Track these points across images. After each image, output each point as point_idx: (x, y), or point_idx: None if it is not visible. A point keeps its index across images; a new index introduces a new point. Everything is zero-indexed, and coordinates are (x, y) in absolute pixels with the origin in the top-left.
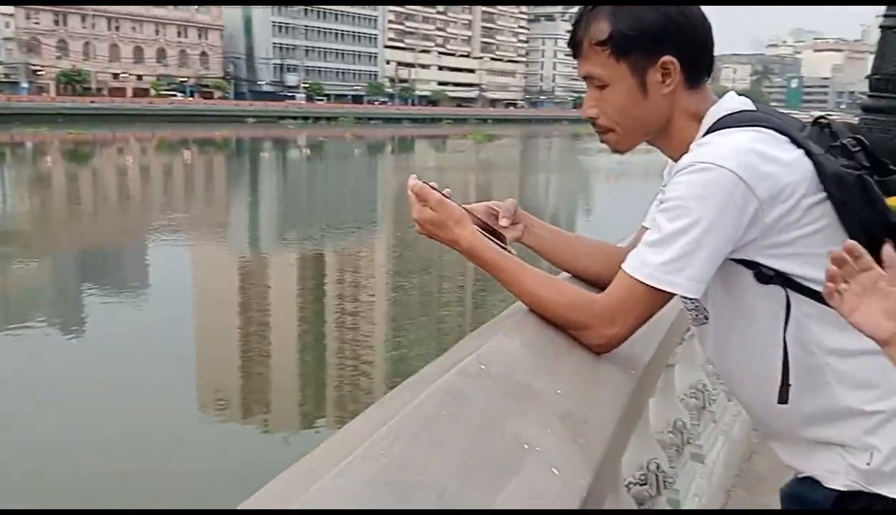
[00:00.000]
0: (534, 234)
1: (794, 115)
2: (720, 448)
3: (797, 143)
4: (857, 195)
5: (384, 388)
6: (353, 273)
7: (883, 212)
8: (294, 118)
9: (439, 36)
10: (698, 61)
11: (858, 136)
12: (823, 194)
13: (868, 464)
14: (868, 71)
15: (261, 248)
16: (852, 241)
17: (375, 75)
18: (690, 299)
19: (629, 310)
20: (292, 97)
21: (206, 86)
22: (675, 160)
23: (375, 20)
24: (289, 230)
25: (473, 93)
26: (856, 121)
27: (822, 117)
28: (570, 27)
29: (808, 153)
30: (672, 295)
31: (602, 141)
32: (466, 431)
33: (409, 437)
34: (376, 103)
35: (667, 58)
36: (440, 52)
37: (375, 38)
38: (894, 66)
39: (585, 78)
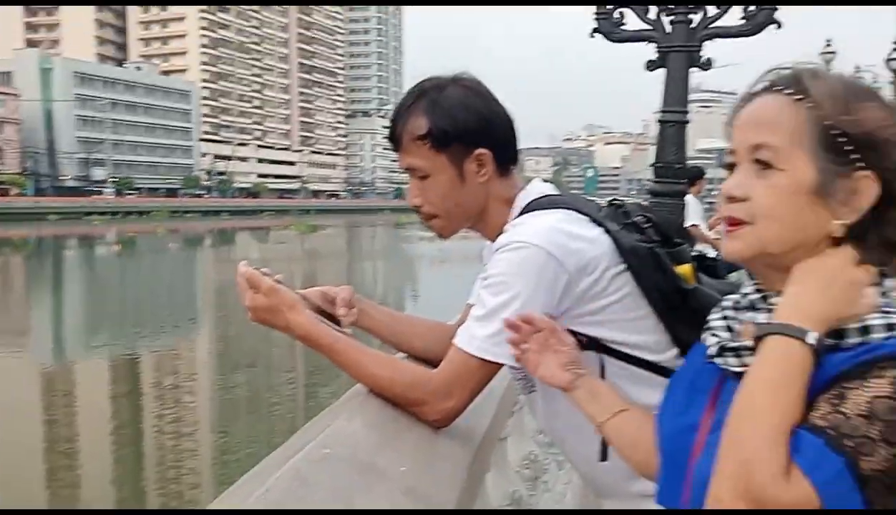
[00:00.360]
0: (369, 317)
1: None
2: None
3: (597, 222)
4: (650, 265)
5: (213, 492)
6: (171, 374)
7: (673, 279)
8: (102, 214)
9: (257, 129)
10: (507, 152)
11: (648, 214)
12: (623, 265)
13: None
14: (650, 160)
15: (66, 355)
16: (526, 313)
17: (191, 168)
18: (518, 369)
19: (463, 383)
20: (99, 192)
21: (2, 182)
22: (493, 241)
23: (189, 113)
24: (97, 333)
25: (295, 185)
26: (646, 204)
27: (615, 199)
28: (386, 123)
29: (607, 230)
30: (501, 365)
31: (428, 227)
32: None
33: None
34: (204, 196)
35: (481, 150)
36: (259, 145)
37: (189, 131)
38: (672, 155)
39: (407, 169)
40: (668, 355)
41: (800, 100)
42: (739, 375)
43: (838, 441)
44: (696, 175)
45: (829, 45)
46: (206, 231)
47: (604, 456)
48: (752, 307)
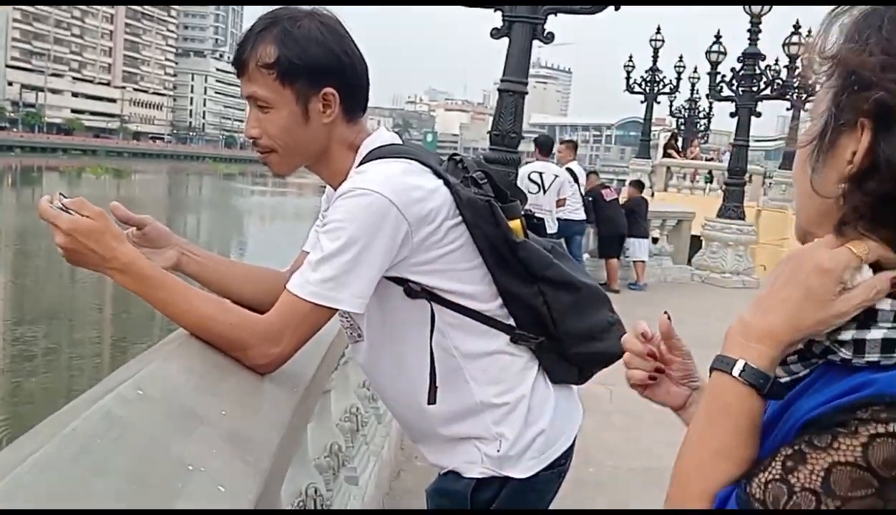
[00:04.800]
0: (193, 261)
1: None
2: (372, 468)
3: (438, 174)
4: (485, 217)
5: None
6: None
7: (505, 232)
8: None
9: (74, 60)
10: (356, 97)
11: (486, 170)
12: (460, 218)
13: (498, 451)
14: (488, 130)
15: None
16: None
17: None
18: (346, 317)
19: (294, 328)
20: None
21: None
22: (334, 186)
23: None
24: None
25: (114, 124)
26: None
27: (455, 154)
28: (221, 65)
29: (447, 183)
30: (334, 311)
31: (263, 162)
32: (127, 455)
33: (65, 465)
34: (8, 129)
35: (328, 90)
36: (75, 77)
37: None
38: (509, 124)
39: (248, 98)
40: (493, 304)
41: None
42: None
43: None
44: (546, 144)
45: (658, 32)
46: (6, 168)
47: (432, 399)
48: None
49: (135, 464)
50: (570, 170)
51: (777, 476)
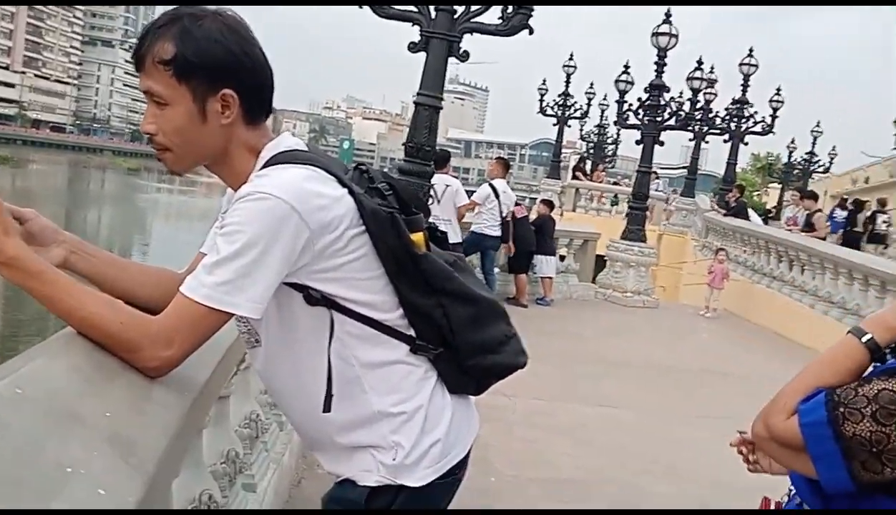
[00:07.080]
0: (84, 259)
1: None
2: (271, 476)
3: (342, 183)
4: (388, 229)
5: None
6: None
7: (407, 244)
8: None
9: None
10: (258, 100)
11: (391, 181)
12: (363, 227)
13: (394, 460)
14: (403, 141)
15: None
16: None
17: None
18: (244, 322)
19: (187, 332)
20: None
21: None
22: (234, 188)
23: None
24: None
25: (12, 110)
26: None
27: (361, 164)
28: (129, 57)
29: (351, 192)
30: (230, 316)
31: (159, 159)
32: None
33: None
34: None
35: (227, 91)
36: None
37: None
38: (424, 137)
39: (146, 93)
40: (394, 314)
41: None
42: None
43: (834, 404)
44: (443, 158)
45: (571, 59)
46: None
47: (327, 407)
48: None
49: (8, 465)
50: (492, 186)
51: (853, 386)
